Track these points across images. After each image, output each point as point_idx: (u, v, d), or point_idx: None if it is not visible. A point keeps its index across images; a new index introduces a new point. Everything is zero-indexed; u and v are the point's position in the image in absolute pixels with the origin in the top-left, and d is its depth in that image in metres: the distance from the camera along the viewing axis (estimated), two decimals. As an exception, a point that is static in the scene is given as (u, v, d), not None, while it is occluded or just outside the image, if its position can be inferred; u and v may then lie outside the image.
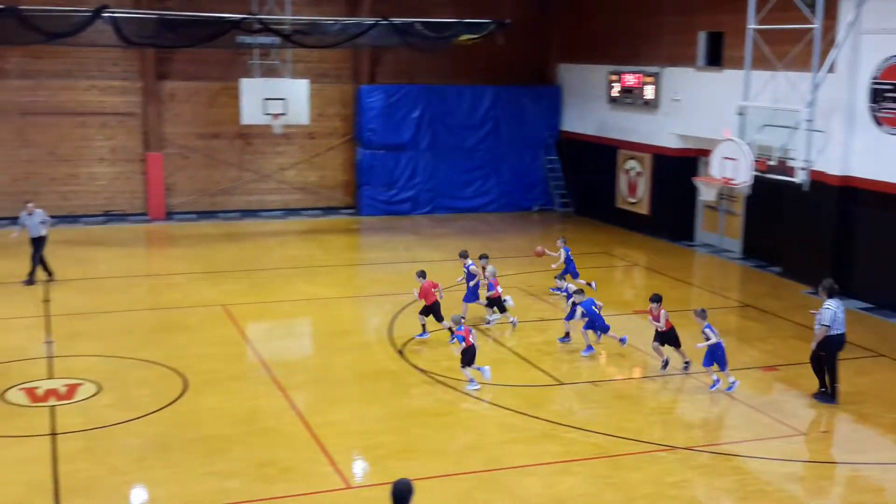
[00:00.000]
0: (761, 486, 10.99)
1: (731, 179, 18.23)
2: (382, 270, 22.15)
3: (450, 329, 15.08)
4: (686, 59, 24.22)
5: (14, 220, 25.57)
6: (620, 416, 13.00)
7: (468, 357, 13.93)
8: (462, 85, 28.86)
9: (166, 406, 13.00)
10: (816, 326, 13.39)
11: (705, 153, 21.45)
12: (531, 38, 29.24)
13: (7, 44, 23.47)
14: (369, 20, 23.46)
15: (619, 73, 26.53)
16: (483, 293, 17.11)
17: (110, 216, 27.09)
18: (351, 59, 28.63)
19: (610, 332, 15.28)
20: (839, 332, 13.37)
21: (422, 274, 16.21)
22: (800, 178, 17.73)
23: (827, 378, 13.55)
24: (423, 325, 16.12)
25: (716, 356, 13.68)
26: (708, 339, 13.59)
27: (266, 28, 22.45)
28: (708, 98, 23.14)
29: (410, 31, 23.64)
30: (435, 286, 16.12)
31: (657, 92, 25.11)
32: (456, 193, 29.32)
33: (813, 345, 13.54)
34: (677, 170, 24.56)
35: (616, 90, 26.71)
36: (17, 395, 13.19)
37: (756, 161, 17.98)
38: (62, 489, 10.45)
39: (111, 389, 13.52)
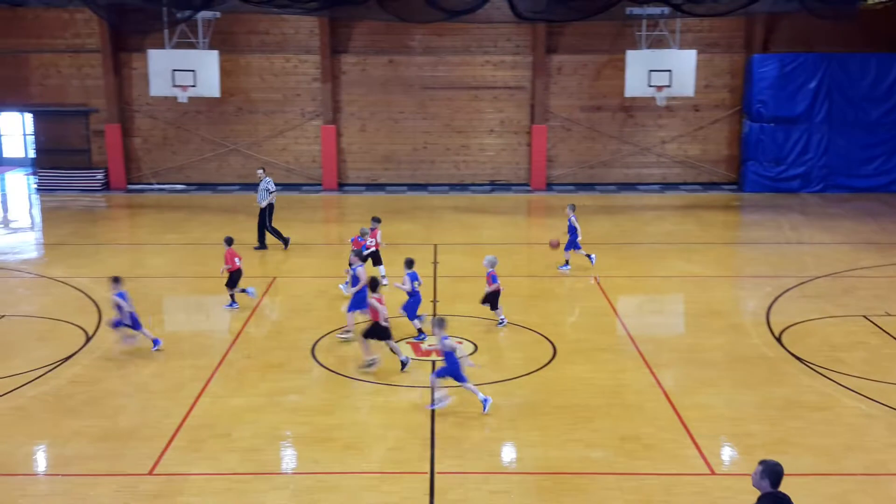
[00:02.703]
0: None
1: None
2: (764, 251, 21.04)
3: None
4: None
5: (412, 187, 27.94)
6: None
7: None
8: (867, 53, 26.39)
9: (535, 371, 13.43)
10: None
11: None
12: (955, -2, 25.92)
13: (413, 21, 25.43)
14: (766, -15, 22.20)
15: None
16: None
17: (495, 185, 28.46)
18: (743, 28, 27.37)
19: None
20: None
21: (228, 241, 16.09)
22: None
23: None
24: (232, 296, 16.19)
25: (448, 369, 11.89)
26: (445, 348, 11.96)
27: (657, -2, 22.17)
28: None
29: (812, -5, 21.98)
30: (237, 255, 16.11)
31: None
32: (853, 171, 27.03)
33: None
34: None
35: None
36: (404, 349, 14.34)
37: None
38: (438, 438, 11.21)
39: (486, 350, 14.25)
